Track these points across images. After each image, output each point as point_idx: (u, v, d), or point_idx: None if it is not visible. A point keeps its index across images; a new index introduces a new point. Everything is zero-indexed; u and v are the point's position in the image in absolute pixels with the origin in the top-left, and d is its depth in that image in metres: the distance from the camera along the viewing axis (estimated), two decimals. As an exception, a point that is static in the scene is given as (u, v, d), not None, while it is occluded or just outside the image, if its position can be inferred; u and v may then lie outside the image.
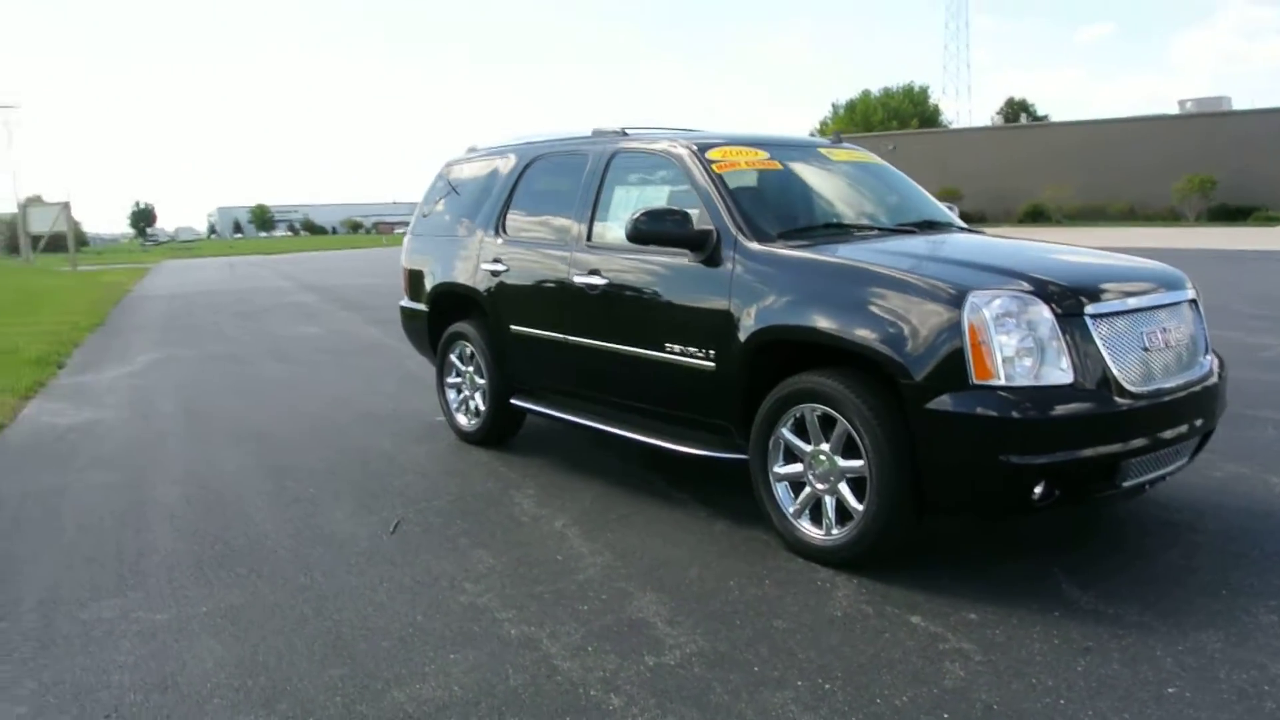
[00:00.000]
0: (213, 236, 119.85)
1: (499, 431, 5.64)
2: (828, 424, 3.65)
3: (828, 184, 4.81)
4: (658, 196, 4.65)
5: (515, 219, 5.40)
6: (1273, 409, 6.17)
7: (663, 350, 4.28)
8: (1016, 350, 3.25)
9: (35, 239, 34.08)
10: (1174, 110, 48.68)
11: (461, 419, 5.87)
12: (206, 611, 3.48)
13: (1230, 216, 38.06)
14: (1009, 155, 51.68)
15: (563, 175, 5.14)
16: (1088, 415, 3.30)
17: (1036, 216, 46.29)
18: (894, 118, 79.45)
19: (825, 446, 3.66)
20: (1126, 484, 3.49)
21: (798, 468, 3.80)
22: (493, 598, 3.51)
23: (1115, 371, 3.35)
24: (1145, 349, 3.49)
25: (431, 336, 6.07)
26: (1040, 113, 80.00)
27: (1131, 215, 42.66)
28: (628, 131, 4.95)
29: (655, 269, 4.34)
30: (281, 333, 12.08)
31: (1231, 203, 38.57)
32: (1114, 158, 45.16)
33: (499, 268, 5.33)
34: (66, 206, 33.02)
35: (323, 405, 7.23)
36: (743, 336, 3.89)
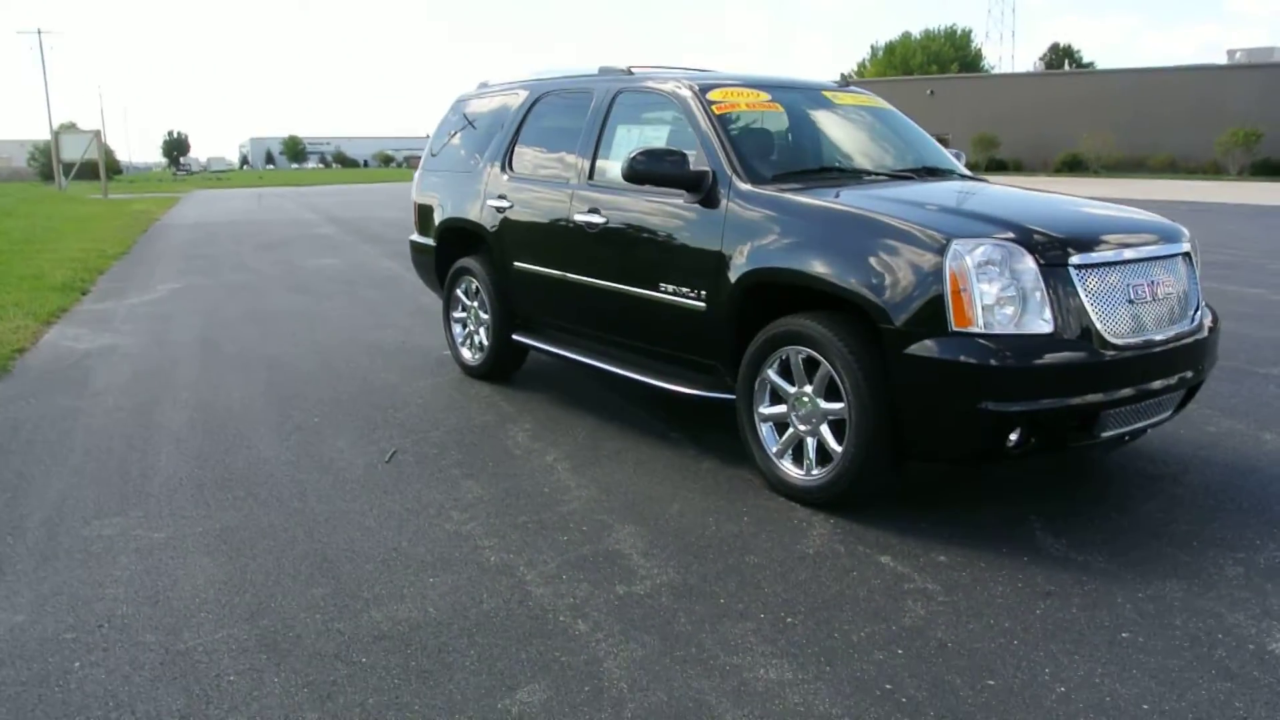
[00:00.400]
0: (245, 167, 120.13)
1: (502, 367, 5.72)
2: (811, 366, 3.69)
3: (829, 127, 4.78)
4: (658, 136, 4.64)
5: (522, 156, 5.41)
6: (1278, 365, 6.12)
7: (657, 290, 4.32)
8: (997, 298, 3.26)
9: (68, 166, 34.40)
10: (1223, 60, 47.19)
11: (466, 353, 5.96)
12: (202, 531, 3.61)
13: (1275, 172, 37.07)
14: (1049, 103, 50.44)
15: (568, 113, 5.14)
16: (1066, 365, 3.31)
17: (1074, 166, 45.34)
18: (934, 61, 77.65)
19: (809, 389, 3.71)
20: (1105, 434, 3.51)
21: (782, 409, 3.85)
22: (476, 526, 3.62)
23: (1097, 322, 3.35)
24: (1131, 301, 3.48)
25: (439, 271, 6.13)
26: (1086, 60, 77.90)
27: (1173, 167, 41.68)
28: (633, 70, 4.93)
29: (652, 209, 4.35)
30: (301, 264, 12.20)
31: (1277, 157, 37.53)
32: (1157, 108, 43.99)
33: (504, 204, 5.36)
34: (98, 134, 33.26)
35: (333, 337, 7.34)
36: (733, 278, 3.92)
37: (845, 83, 5.18)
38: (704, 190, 4.10)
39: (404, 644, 2.76)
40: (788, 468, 3.83)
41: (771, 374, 3.84)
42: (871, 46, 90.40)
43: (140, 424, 5.01)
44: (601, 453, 4.47)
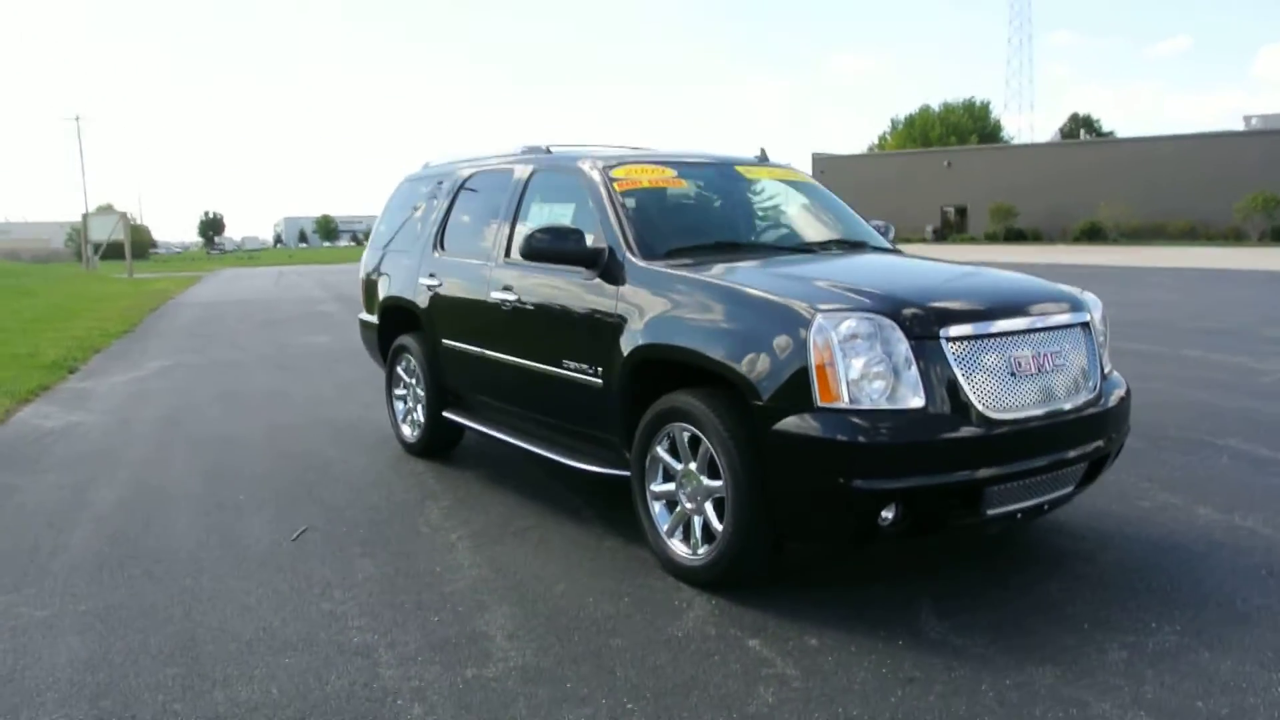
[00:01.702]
0: (278, 245, 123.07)
1: (437, 444, 5.73)
2: (696, 443, 3.65)
3: (734, 202, 4.82)
4: (566, 213, 4.70)
5: (451, 234, 5.51)
6: (1239, 438, 5.97)
7: (560, 366, 4.33)
8: (863, 373, 3.22)
9: (99, 247, 35.48)
10: (1240, 127, 47.25)
11: (406, 430, 5.98)
12: (84, 610, 3.61)
13: (1296, 237, 36.75)
14: (1067, 172, 50.62)
15: (492, 192, 5.23)
16: (939, 441, 3.25)
17: (1093, 235, 45.23)
18: (953, 133, 78.54)
19: (693, 465, 3.67)
20: (993, 513, 3.43)
21: (672, 486, 3.80)
22: (353, 606, 3.58)
23: (973, 396, 3.29)
24: (1013, 374, 3.42)
25: (382, 349, 6.20)
26: (1106, 128, 78.35)
27: (1192, 234, 41.46)
28: (551, 149, 5.02)
29: (556, 286, 4.39)
30: (291, 341, 12.38)
31: (1297, 222, 37.27)
32: (1175, 175, 43.97)
33: (434, 282, 5.43)
34: (124, 216, 34.36)
35: (293, 413, 7.41)
36: (624, 354, 3.92)
37: (764, 157, 5.23)
38: (601, 266, 4.13)
39: (232, 729, 2.72)
40: (676, 547, 3.77)
41: (660, 451, 3.81)
42: (891, 120, 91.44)
43: (70, 503, 5.05)
44: (508, 530, 4.43)
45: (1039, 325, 3.60)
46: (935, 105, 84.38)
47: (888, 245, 4.91)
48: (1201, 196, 41.51)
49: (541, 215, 4.82)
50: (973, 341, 3.37)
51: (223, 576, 3.92)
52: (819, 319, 3.26)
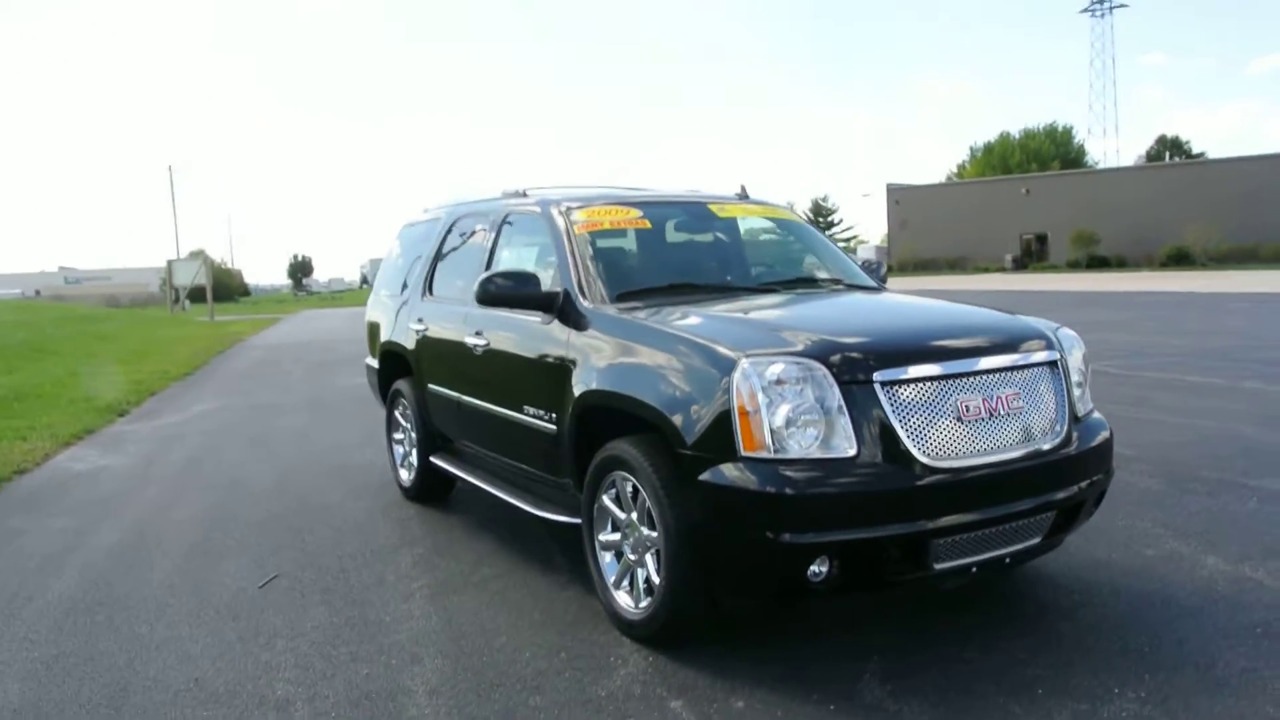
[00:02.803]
0: (363, 286, 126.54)
1: (430, 488, 5.71)
2: (637, 492, 3.54)
3: (701, 243, 4.72)
4: (531, 256, 4.67)
5: (438, 279, 5.53)
6: (1277, 478, 5.57)
7: (521, 411, 4.29)
8: (789, 420, 3.08)
9: (190, 290, 37.10)
10: (1338, 144, 45.16)
11: (403, 474, 5.99)
12: (36, 656, 3.66)
13: (1400, 258, 34.68)
14: (1153, 196, 48.96)
15: (472, 236, 5.25)
16: (873, 492, 3.08)
17: (1180, 260, 43.46)
18: (1033, 159, 76.84)
19: (635, 515, 3.56)
20: (941, 567, 3.23)
21: (618, 536, 3.70)
22: (290, 656, 3.56)
23: (910, 444, 3.12)
24: (959, 419, 3.23)
25: (383, 392, 6.24)
26: (1198, 149, 75.59)
27: (1287, 258, 39.49)
28: (527, 192, 5.00)
29: (517, 330, 4.36)
30: (336, 383, 12.62)
31: (1401, 243, 35.20)
32: (1269, 195, 42.07)
33: (421, 327, 5.46)
34: (206, 261, 35.97)
35: (312, 456, 7.51)
36: (573, 399, 3.85)
37: (744, 194, 5.12)
38: (555, 310, 4.08)
39: (124, 787, 2.70)
40: (621, 599, 3.65)
41: (606, 500, 3.71)
42: (970, 147, 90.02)
43: (66, 547, 5.17)
44: (472, 579, 4.37)
45: (994, 366, 3.39)
46: (1015, 132, 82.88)
47: (869, 283, 4.73)
48: (1296, 218, 39.60)
49: (513, 259, 4.80)
50: (912, 385, 3.19)
51: (177, 624, 3.95)
52: (743, 363, 3.13)
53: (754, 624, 3.71)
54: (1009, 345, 3.51)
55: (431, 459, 5.45)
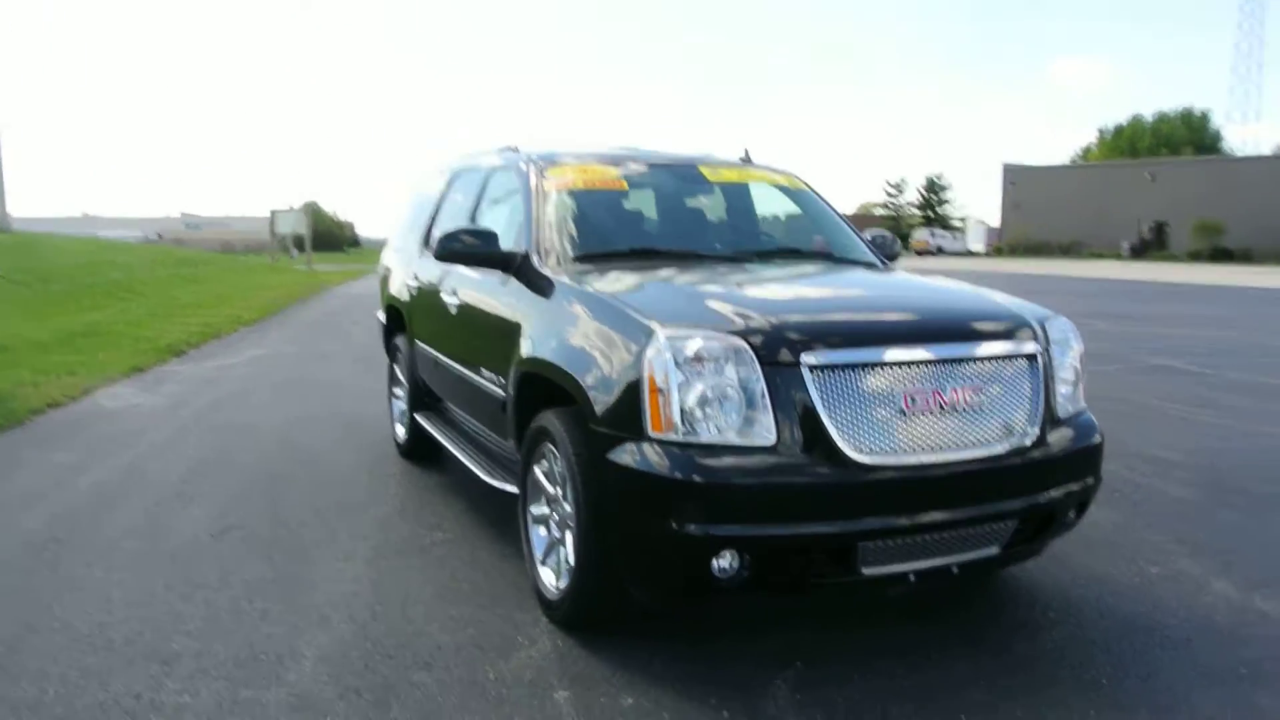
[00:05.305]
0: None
1: (420, 446, 5.62)
2: (566, 466, 3.33)
3: (682, 207, 4.42)
4: (506, 213, 4.46)
5: (434, 235, 5.38)
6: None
7: (479, 373, 4.12)
8: (703, 400, 2.81)
9: (295, 238, 38.36)
10: None
11: (399, 429, 5.91)
12: (-26, 592, 3.69)
13: None
14: (1288, 186, 45.66)
15: (465, 192, 5.08)
16: (789, 485, 2.80)
17: (1313, 256, 40.44)
18: (1164, 144, 72.83)
19: (559, 490, 3.35)
20: (871, 572, 2.93)
21: (548, 510, 3.50)
22: (203, 609, 3.49)
23: (837, 436, 2.81)
24: (903, 412, 2.91)
25: (386, 347, 6.17)
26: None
27: None
28: (518, 148, 4.79)
29: (481, 290, 4.18)
30: (391, 336, 12.71)
31: None
32: None
33: (415, 283, 5.33)
34: (306, 209, 37.00)
35: (332, 406, 7.53)
36: (517, 363, 3.65)
37: (746, 159, 4.79)
38: (514, 270, 3.87)
39: (-24, 730, 2.65)
40: (545, 576, 3.45)
41: (538, 471, 3.51)
42: (1099, 129, 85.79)
43: (55, 482, 5.23)
44: (421, 544, 4.24)
45: (951, 355, 3.04)
46: (1149, 115, 78.82)
47: (869, 259, 4.36)
48: None
49: (492, 215, 4.60)
50: (845, 371, 2.88)
51: (116, 568, 3.93)
52: (660, 336, 2.87)
53: (687, 617, 3.47)
54: (980, 334, 3.15)
55: (415, 415, 5.34)
